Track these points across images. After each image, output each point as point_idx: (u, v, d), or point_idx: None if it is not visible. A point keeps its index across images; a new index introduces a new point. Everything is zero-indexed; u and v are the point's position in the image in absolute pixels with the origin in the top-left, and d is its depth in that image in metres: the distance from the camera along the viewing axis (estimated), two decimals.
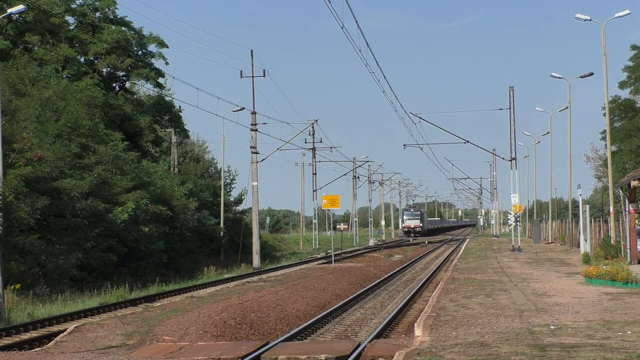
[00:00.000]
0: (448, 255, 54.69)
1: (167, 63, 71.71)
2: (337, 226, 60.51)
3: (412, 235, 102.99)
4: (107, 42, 48.80)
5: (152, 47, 53.87)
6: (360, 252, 63.28)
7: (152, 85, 54.30)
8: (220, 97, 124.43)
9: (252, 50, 48.61)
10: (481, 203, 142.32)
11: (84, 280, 31.92)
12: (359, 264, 45.08)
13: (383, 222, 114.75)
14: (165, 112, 56.05)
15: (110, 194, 37.43)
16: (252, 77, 48.32)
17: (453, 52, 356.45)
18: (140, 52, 53.27)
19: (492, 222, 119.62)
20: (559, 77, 52.19)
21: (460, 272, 32.56)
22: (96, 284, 31.51)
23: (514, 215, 55.74)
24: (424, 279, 33.41)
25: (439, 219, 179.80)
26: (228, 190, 64.75)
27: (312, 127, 72.59)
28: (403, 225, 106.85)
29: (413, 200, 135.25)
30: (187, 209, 46.98)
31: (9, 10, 29.81)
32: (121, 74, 53.66)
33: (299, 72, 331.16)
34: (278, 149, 55.71)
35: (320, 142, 76.79)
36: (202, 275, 40.45)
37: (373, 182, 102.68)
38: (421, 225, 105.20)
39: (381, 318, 22.14)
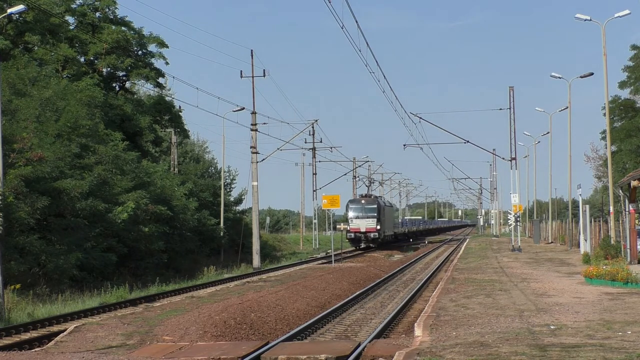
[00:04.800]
0: (448, 256, 54.70)
1: (167, 63, 72.08)
2: (337, 226, 60.49)
3: (362, 243, 62.99)
4: (107, 42, 48.81)
5: (152, 47, 53.98)
6: (360, 252, 63.24)
7: (152, 85, 54.42)
8: (220, 97, 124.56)
9: (252, 50, 48.64)
10: (481, 203, 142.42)
11: (84, 280, 31.90)
12: (359, 264, 45.05)
13: None
14: (165, 112, 56.08)
15: (110, 194, 37.42)
16: (252, 77, 48.34)
17: (453, 52, 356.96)
18: (140, 52, 53.29)
19: (492, 222, 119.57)
20: (559, 77, 52.22)
21: (460, 272, 32.55)
22: (96, 284, 31.49)
23: (514, 215, 55.75)
24: (424, 279, 33.41)
25: (419, 218, 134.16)
26: (228, 190, 64.73)
27: (312, 127, 72.58)
28: (349, 227, 62.64)
29: (368, 188, 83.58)
30: (187, 209, 46.97)
31: (9, 10, 29.76)
32: (121, 74, 53.68)
33: (299, 72, 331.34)
34: (278, 149, 55.64)
35: (320, 142, 76.67)
36: (202, 275, 40.43)
37: (373, 182, 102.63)
38: (378, 228, 62.63)
39: (381, 318, 22.15)
